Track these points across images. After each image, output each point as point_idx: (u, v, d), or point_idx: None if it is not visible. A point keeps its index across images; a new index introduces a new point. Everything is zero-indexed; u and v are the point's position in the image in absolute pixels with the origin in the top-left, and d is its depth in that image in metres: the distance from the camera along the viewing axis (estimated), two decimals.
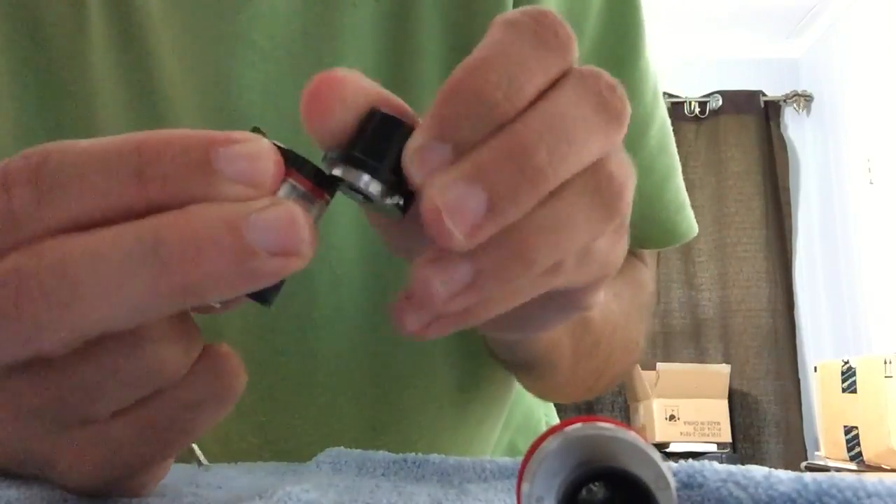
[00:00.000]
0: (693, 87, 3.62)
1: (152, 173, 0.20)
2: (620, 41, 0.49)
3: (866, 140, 3.17)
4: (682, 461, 0.25)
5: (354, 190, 0.22)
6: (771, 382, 3.45)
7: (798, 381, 3.48)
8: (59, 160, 0.20)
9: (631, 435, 0.18)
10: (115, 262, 0.19)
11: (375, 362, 0.47)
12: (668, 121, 0.54)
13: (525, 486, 0.18)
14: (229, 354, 0.24)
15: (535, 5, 0.29)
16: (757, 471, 0.23)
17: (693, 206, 0.57)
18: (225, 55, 0.43)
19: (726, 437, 3.14)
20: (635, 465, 0.17)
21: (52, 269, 0.19)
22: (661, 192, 0.53)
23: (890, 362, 2.45)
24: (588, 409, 3.26)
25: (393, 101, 0.22)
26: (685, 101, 3.61)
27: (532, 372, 0.46)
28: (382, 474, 0.34)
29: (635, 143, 0.51)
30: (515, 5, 0.45)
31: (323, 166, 0.22)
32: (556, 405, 0.67)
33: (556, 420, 0.66)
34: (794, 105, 3.66)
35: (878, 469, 2.49)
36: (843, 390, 2.66)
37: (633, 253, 0.57)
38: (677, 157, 0.55)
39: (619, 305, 0.48)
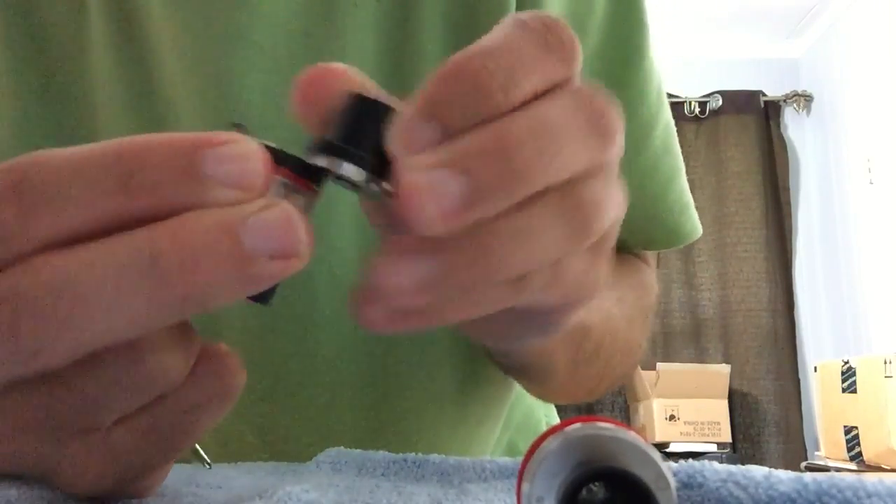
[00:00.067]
0: (693, 87, 3.62)
1: (138, 183, 0.19)
2: (625, 42, 0.49)
3: (866, 140, 3.17)
4: (682, 461, 0.25)
5: (339, 178, 0.21)
6: (771, 382, 3.45)
7: (798, 381, 3.48)
8: (40, 174, 0.20)
9: (631, 435, 0.18)
10: (113, 276, 0.19)
11: (375, 362, 0.47)
12: (672, 121, 0.54)
13: (525, 486, 0.18)
14: (227, 354, 0.24)
15: (545, 10, 0.29)
16: (757, 471, 0.23)
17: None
18: (225, 55, 0.43)
19: (726, 437, 3.14)
20: (635, 465, 0.17)
21: (48, 286, 0.19)
22: (665, 192, 0.53)
23: (890, 362, 2.45)
24: (588, 409, 3.25)
25: (381, 94, 0.22)
26: (685, 101, 3.61)
27: (527, 376, 0.46)
28: (382, 474, 0.34)
29: (640, 144, 0.51)
30: (518, 7, 0.45)
31: (306, 156, 0.22)
32: (556, 405, 0.67)
33: (556, 420, 0.66)
34: (794, 105, 3.66)
35: (878, 469, 2.49)
36: (843, 390, 2.66)
37: (636, 254, 0.57)
38: (681, 158, 0.55)
39: (621, 310, 0.48)
